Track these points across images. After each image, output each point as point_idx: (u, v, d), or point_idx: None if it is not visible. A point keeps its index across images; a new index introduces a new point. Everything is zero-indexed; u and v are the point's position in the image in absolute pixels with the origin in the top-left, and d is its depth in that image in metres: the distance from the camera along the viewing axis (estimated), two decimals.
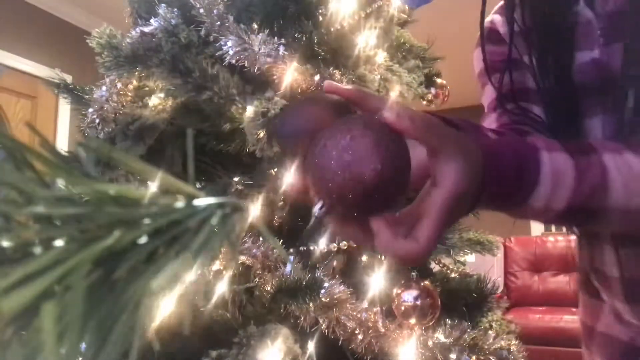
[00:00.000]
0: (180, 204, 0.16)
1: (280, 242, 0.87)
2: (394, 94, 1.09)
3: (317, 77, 0.89)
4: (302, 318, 0.81)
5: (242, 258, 0.82)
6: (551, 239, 3.76)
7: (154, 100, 1.04)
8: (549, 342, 2.94)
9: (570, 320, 3.00)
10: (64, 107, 2.94)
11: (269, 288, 0.82)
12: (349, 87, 0.37)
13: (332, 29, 1.01)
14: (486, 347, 0.87)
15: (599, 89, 0.54)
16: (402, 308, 0.87)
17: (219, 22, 0.89)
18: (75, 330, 0.13)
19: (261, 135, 0.84)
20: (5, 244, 0.15)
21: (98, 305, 0.15)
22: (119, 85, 0.99)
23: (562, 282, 3.54)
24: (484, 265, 1.75)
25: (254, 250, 0.83)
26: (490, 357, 0.87)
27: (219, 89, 0.91)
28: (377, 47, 1.07)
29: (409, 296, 0.88)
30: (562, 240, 3.67)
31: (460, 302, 1.07)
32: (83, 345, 0.14)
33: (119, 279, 0.15)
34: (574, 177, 0.41)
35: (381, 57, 1.09)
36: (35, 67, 2.89)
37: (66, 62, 2.96)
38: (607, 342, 0.61)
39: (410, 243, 0.34)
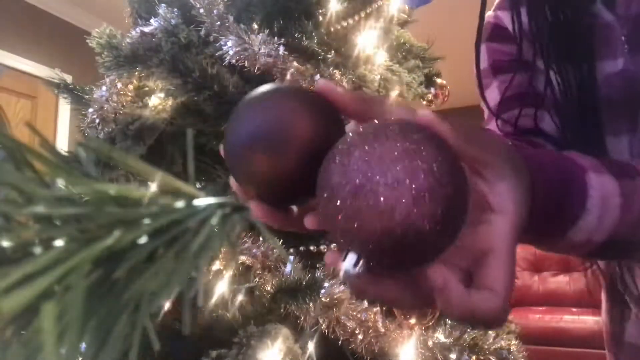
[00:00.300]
0: (180, 204, 0.16)
1: (280, 242, 0.87)
2: (394, 94, 1.09)
3: (317, 77, 0.89)
4: (302, 318, 0.81)
5: (242, 258, 0.82)
6: None
7: (154, 100, 1.04)
8: (549, 342, 2.94)
9: (570, 320, 3.00)
10: (64, 107, 2.94)
11: (269, 288, 0.82)
12: (347, 91, 0.28)
13: (332, 29, 1.01)
14: (486, 347, 0.87)
15: (625, 103, 0.48)
16: None
17: (219, 22, 0.89)
18: (75, 330, 0.13)
19: None
20: (5, 244, 0.15)
21: (98, 305, 0.15)
22: (119, 85, 0.99)
23: (562, 282, 3.54)
24: None
25: (254, 250, 0.83)
26: (490, 357, 0.87)
27: (219, 89, 0.91)
28: (377, 47, 1.07)
29: None
30: None
31: None
32: (83, 345, 0.14)
33: (119, 279, 0.15)
34: (619, 204, 0.34)
35: (381, 57, 1.09)
36: (35, 67, 2.89)
37: (66, 62, 2.96)
38: (635, 352, 0.56)
39: (486, 295, 0.25)
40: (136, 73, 0.98)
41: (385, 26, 1.11)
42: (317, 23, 1.01)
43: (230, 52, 0.85)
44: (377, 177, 0.22)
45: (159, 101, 1.04)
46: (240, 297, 0.84)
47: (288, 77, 0.84)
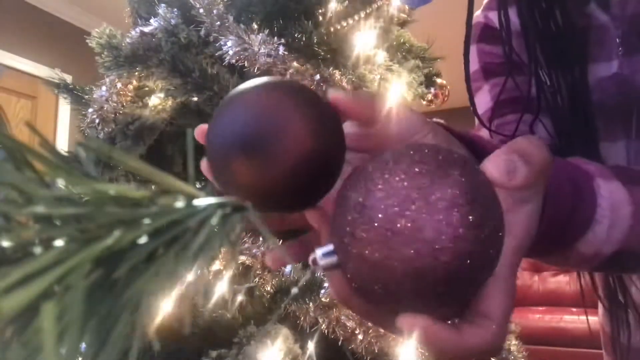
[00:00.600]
0: (180, 204, 0.16)
1: (280, 242, 0.87)
2: (393, 93, 1.09)
3: (317, 77, 0.89)
4: (302, 318, 0.81)
5: (242, 258, 0.82)
6: None
7: (153, 100, 1.04)
8: (549, 342, 2.94)
9: (570, 320, 3.00)
10: (64, 107, 2.94)
11: (269, 288, 0.83)
12: (361, 98, 0.26)
13: (332, 29, 1.01)
14: None
15: (618, 108, 0.45)
16: None
17: (218, 22, 0.89)
18: (75, 330, 0.13)
19: None
20: (5, 244, 0.15)
21: (98, 305, 0.15)
22: (119, 85, 0.99)
23: (562, 282, 3.54)
24: None
25: (254, 250, 0.83)
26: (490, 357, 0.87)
27: (219, 89, 0.91)
28: (377, 47, 1.07)
29: None
30: None
31: None
32: (83, 345, 0.14)
33: (119, 279, 0.15)
34: (630, 213, 0.31)
35: (381, 57, 1.09)
36: (35, 67, 2.89)
37: (66, 62, 2.96)
38: None
39: (482, 326, 0.23)
40: (136, 73, 0.98)
41: (385, 26, 1.11)
42: (317, 23, 1.01)
43: (230, 52, 0.85)
44: (410, 221, 0.20)
45: (158, 101, 1.04)
46: (240, 297, 0.84)
47: (288, 77, 0.85)
